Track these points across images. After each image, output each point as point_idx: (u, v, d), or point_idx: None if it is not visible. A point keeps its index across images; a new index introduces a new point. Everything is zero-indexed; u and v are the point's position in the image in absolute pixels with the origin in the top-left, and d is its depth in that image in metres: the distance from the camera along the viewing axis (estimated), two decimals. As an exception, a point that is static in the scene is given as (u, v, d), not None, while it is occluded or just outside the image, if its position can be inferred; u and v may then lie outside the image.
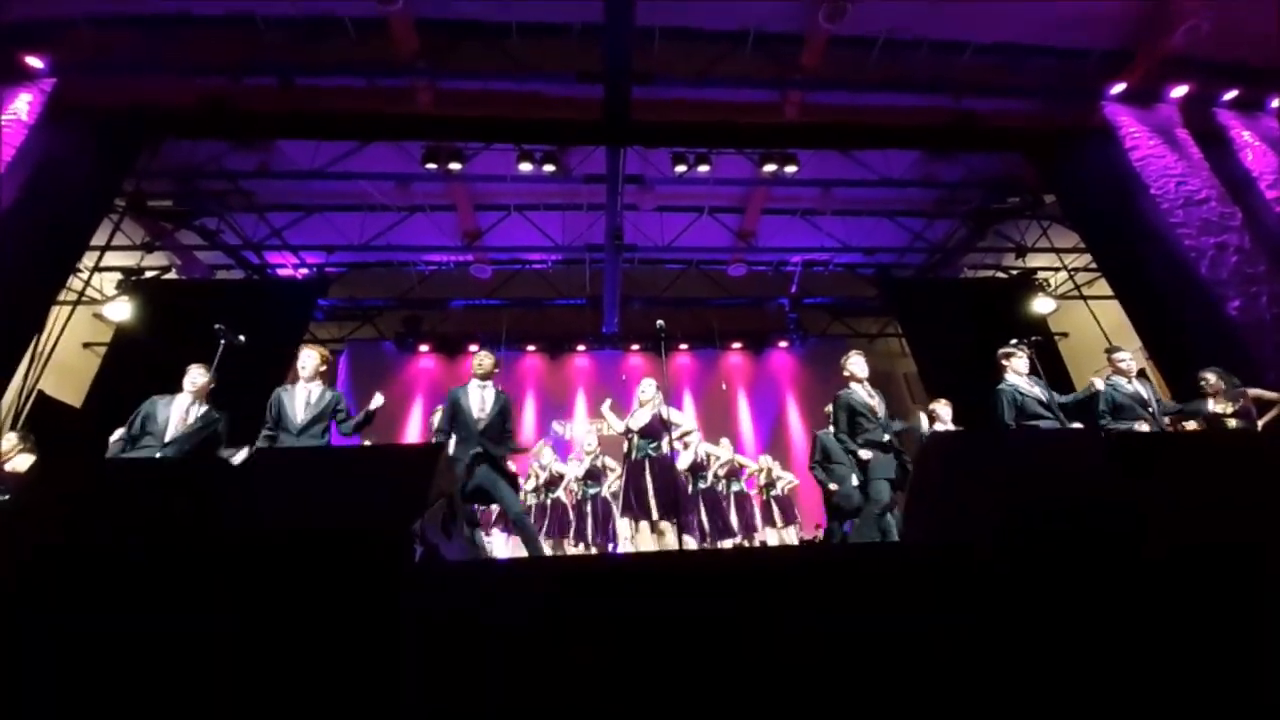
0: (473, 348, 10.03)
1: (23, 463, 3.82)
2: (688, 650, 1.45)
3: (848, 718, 1.38)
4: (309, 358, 3.60)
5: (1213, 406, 4.29)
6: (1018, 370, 4.08)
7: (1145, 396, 4.06)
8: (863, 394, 3.94)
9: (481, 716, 1.42)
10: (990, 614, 1.52)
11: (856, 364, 4.01)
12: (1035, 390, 3.99)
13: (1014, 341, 4.30)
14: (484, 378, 3.78)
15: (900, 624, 1.52)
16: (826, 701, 1.39)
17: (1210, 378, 4.38)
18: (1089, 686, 1.37)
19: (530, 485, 6.31)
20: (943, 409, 4.90)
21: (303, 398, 3.49)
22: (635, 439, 4.31)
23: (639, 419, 4.33)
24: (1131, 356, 4.27)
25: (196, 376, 3.62)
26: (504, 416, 3.74)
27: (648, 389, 4.37)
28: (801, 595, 1.62)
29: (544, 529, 5.69)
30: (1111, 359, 4.28)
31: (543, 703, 1.40)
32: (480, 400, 3.69)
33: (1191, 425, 4.39)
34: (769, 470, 6.82)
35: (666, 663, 1.43)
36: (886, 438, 3.79)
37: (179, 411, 3.52)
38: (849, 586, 1.66)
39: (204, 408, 3.62)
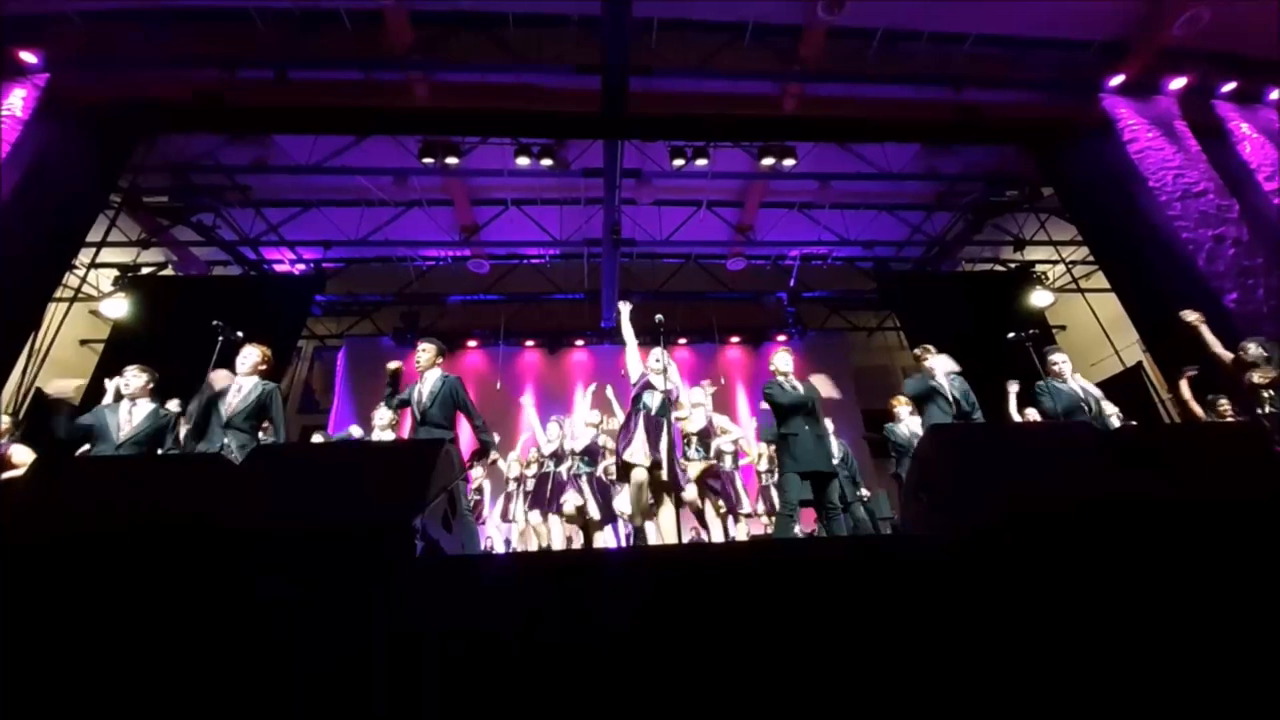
0: (471, 343, 10.03)
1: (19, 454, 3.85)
2: (690, 647, 1.46)
3: (849, 713, 1.39)
4: (250, 354, 3.66)
5: (1255, 378, 4.24)
6: (931, 367, 4.26)
7: (1082, 396, 4.05)
8: (776, 387, 4.04)
9: (481, 714, 1.42)
10: (990, 606, 1.53)
11: (779, 359, 4.16)
12: (946, 385, 4.12)
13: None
14: (425, 369, 3.92)
15: (900, 618, 1.53)
16: (828, 697, 1.39)
17: (1251, 348, 4.37)
18: (1087, 677, 1.38)
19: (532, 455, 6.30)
20: (902, 407, 4.90)
21: (234, 391, 3.55)
22: (650, 394, 4.19)
23: (660, 379, 4.28)
24: (1066, 359, 4.27)
25: (131, 379, 3.70)
26: (442, 402, 3.81)
27: (660, 357, 4.34)
28: (802, 589, 1.63)
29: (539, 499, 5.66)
30: (1046, 360, 4.32)
31: (544, 701, 1.41)
32: (418, 391, 3.83)
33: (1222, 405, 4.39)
34: (766, 456, 6.79)
35: (667, 659, 1.44)
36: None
37: (123, 416, 3.60)
38: (849, 580, 1.67)
39: (150, 406, 3.69)
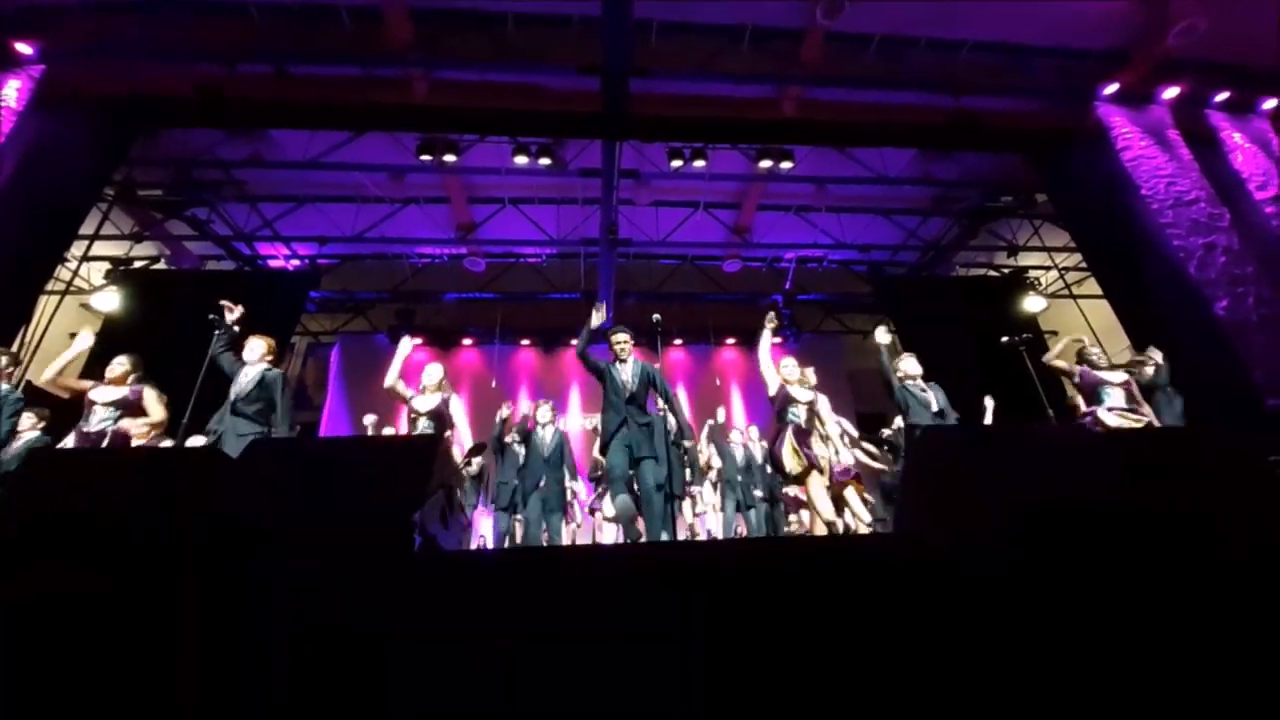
0: (467, 341, 10.00)
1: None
2: (688, 647, 1.46)
3: (844, 714, 1.40)
4: (256, 345, 3.90)
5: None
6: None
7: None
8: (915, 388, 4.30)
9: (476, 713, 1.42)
10: (981, 610, 1.54)
11: (909, 363, 4.45)
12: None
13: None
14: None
15: (883, 624, 1.54)
16: (824, 699, 1.40)
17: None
18: (1085, 682, 1.39)
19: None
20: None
21: (241, 375, 3.77)
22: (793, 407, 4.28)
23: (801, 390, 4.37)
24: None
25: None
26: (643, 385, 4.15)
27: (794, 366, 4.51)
28: (799, 590, 1.63)
29: None
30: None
31: (543, 701, 1.41)
32: (628, 373, 4.14)
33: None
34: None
35: (667, 658, 1.45)
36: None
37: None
38: (843, 580, 1.68)
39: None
